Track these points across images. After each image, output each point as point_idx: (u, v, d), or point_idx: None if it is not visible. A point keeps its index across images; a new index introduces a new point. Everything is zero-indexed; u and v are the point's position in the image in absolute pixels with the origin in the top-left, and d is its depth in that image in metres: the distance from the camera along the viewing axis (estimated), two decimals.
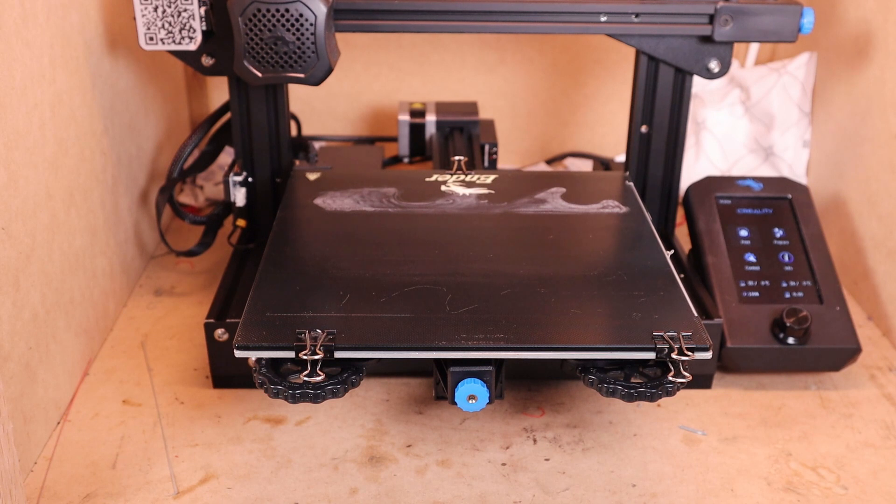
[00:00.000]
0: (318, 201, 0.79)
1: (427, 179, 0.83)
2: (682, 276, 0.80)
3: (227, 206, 0.89)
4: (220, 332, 0.73)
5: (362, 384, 0.76)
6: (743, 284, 0.79)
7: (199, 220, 0.92)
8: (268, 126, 0.84)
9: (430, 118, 1.04)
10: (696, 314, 0.63)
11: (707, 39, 0.79)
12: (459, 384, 0.61)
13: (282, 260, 0.69)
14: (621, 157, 1.16)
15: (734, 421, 0.74)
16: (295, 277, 0.66)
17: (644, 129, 0.85)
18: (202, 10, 0.74)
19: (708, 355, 0.59)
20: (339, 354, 0.58)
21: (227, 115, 0.93)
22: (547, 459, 0.69)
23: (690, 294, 0.77)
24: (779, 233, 0.82)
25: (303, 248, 0.71)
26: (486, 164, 1.02)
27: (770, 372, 0.79)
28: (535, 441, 0.71)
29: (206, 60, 0.78)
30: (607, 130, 1.22)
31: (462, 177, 0.84)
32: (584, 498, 0.65)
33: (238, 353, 0.58)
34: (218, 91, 1.22)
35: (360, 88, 1.20)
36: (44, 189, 0.69)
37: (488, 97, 1.20)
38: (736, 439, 0.72)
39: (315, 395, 0.58)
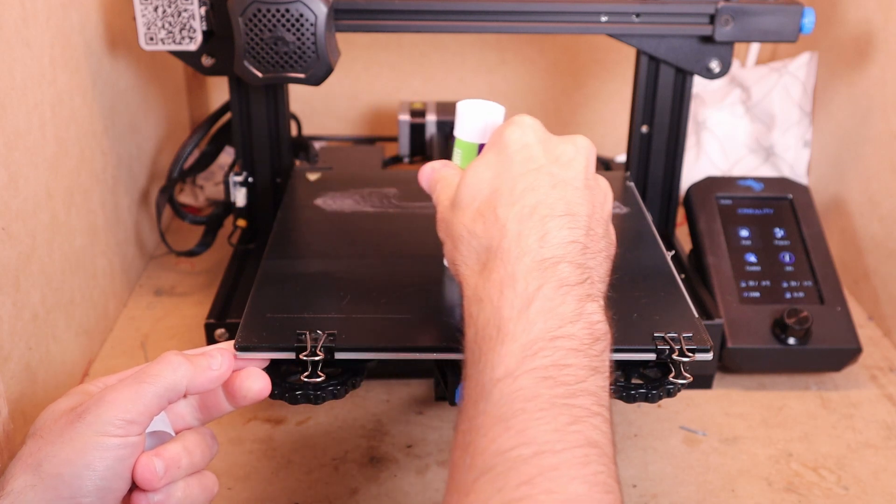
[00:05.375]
0: (319, 202, 0.78)
1: None
2: (683, 276, 0.80)
3: (227, 206, 0.89)
4: (220, 333, 0.73)
5: (362, 385, 0.76)
6: (744, 285, 0.79)
7: (199, 220, 0.92)
8: (268, 126, 0.84)
9: (431, 118, 1.04)
10: (696, 315, 0.62)
11: (708, 39, 0.79)
12: (460, 385, 0.60)
13: (282, 260, 0.68)
14: (622, 157, 1.15)
15: (735, 421, 0.74)
16: (295, 278, 0.66)
17: (644, 129, 0.85)
18: (202, 10, 0.74)
19: (709, 356, 0.59)
20: (339, 356, 0.58)
21: (228, 115, 0.92)
22: None
23: (691, 294, 0.77)
24: (779, 233, 0.82)
25: (303, 249, 0.71)
26: None
27: (771, 372, 0.79)
28: None
29: (207, 60, 0.78)
30: (607, 130, 1.22)
31: None
32: None
33: (238, 354, 0.58)
34: (218, 91, 1.22)
35: (360, 88, 1.20)
36: (44, 189, 0.69)
37: (488, 97, 1.19)
38: (737, 440, 0.71)
39: (315, 395, 0.58)
